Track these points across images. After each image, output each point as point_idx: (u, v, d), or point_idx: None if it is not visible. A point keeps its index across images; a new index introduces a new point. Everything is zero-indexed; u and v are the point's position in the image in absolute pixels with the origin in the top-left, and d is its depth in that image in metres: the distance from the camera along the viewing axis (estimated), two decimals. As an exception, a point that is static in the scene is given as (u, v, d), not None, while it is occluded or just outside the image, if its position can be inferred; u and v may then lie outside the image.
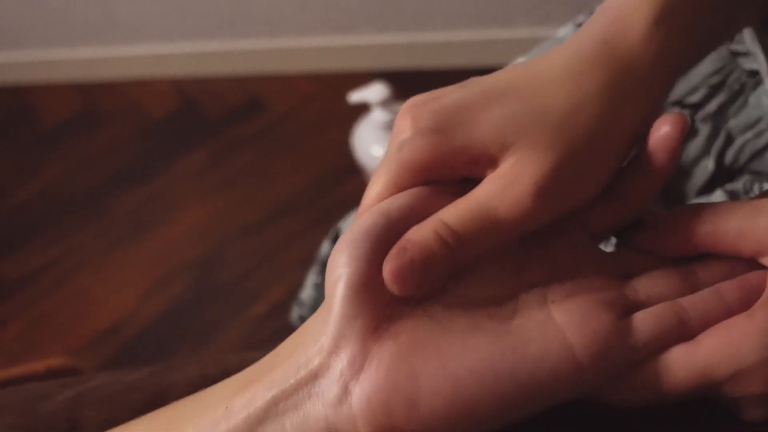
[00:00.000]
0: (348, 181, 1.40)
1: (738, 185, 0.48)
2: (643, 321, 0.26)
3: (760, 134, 0.50)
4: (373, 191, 0.29)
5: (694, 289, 0.27)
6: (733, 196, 0.48)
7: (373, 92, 1.14)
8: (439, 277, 0.26)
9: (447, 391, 0.24)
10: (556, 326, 0.25)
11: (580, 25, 0.56)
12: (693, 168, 0.52)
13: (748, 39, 0.49)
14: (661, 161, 0.27)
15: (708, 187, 0.51)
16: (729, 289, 0.27)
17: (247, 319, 1.27)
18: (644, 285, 0.28)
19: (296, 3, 1.49)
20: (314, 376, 0.25)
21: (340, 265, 0.25)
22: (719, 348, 0.25)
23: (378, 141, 1.21)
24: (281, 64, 1.61)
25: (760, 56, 0.49)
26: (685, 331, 0.26)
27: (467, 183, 0.28)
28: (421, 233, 0.26)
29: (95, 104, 1.70)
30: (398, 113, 0.29)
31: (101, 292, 1.38)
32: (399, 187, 0.28)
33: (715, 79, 0.51)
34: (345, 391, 0.24)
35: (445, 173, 0.28)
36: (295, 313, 1.00)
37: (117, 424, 0.30)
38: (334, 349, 0.24)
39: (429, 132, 0.27)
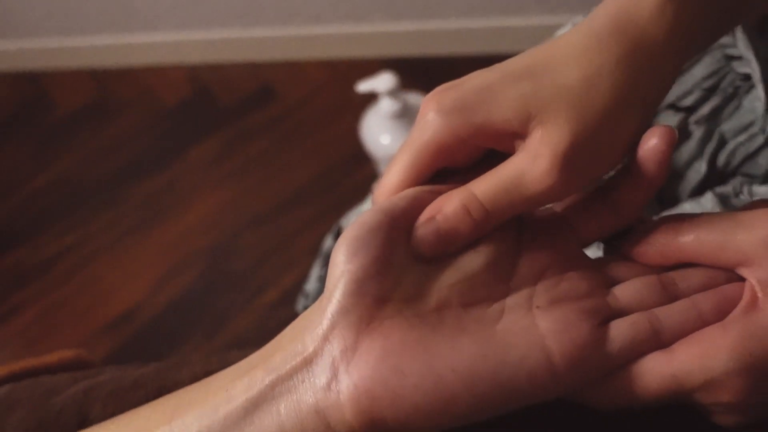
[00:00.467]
0: (359, 169, 1.40)
1: (728, 188, 0.49)
2: (619, 330, 0.27)
3: (752, 137, 0.51)
4: (393, 172, 0.30)
5: (673, 298, 0.28)
6: (723, 199, 0.49)
7: (381, 81, 1.14)
8: (462, 244, 0.28)
9: (430, 387, 0.25)
10: (538, 333, 0.27)
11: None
12: (686, 170, 0.53)
13: (741, 44, 0.50)
14: (650, 172, 0.29)
15: (700, 190, 0.52)
16: (704, 300, 0.28)
17: (259, 307, 1.28)
18: (625, 293, 0.29)
19: (307, -9, 1.49)
20: (308, 363, 0.26)
21: (342, 262, 0.27)
22: (692, 357, 0.26)
23: (386, 130, 1.21)
24: (293, 51, 1.61)
25: (753, 62, 0.49)
26: (659, 340, 0.27)
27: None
28: (451, 205, 0.28)
29: (110, 92, 1.71)
30: (423, 100, 0.30)
31: (115, 279, 1.39)
32: (420, 168, 0.30)
33: (709, 83, 0.52)
34: (334, 379, 0.25)
35: (467, 153, 0.30)
36: (300, 304, 1.01)
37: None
38: (328, 339, 0.26)
39: (451, 112, 0.29)
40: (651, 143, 0.28)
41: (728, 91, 0.52)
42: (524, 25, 1.42)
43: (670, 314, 0.28)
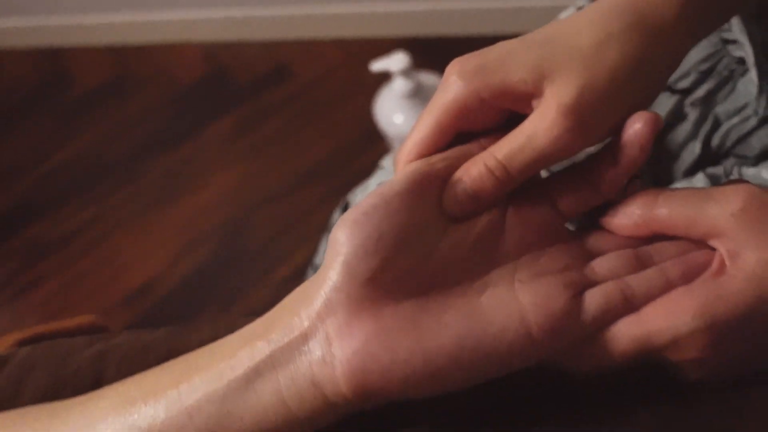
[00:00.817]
0: (372, 148, 1.41)
1: (719, 169, 0.50)
2: (593, 299, 0.29)
3: (745, 120, 0.52)
4: (416, 132, 0.32)
5: (646, 268, 0.30)
6: (714, 179, 0.50)
7: (395, 61, 1.15)
8: (489, 202, 0.30)
9: (419, 361, 0.27)
10: (518, 305, 0.28)
11: (580, 7, 0.58)
12: (681, 151, 0.54)
13: (736, 28, 0.51)
14: (631, 154, 0.30)
15: (694, 170, 0.53)
16: (672, 266, 0.29)
17: (272, 282, 1.30)
18: (603, 266, 0.30)
19: (323, -29, 1.50)
20: (304, 337, 0.28)
21: (339, 243, 0.28)
22: (659, 318, 0.28)
23: (400, 109, 1.22)
24: (308, 30, 1.62)
25: (747, 46, 0.51)
26: (631, 306, 0.29)
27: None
28: (476, 167, 0.30)
29: (128, 69, 1.72)
30: (447, 66, 0.32)
31: (133, 253, 1.42)
32: (442, 128, 0.32)
33: (705, 66, 0.53)
34: (329, 354, 0.27)
35: (487, 115, 0.32)
36: (310, 276, 1.04)
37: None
38: (323, 316, 0.28)
39: (473, 74, 0.31)
40: (636, 127, 0.30)
41: (723, 74, 0.53)
42: (537, 6, 1.42)
43: (641, 281, 0.29)
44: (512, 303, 0.28)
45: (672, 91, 0.54)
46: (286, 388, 0.28)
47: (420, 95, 1.20)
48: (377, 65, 1.15)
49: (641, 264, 0.30)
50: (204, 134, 1.56)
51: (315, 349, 0.28)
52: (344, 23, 1.59)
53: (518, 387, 0.31)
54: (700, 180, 0.51)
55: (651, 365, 0.30)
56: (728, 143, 0.53)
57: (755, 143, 0.52)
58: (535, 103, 0.31)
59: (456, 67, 0.31)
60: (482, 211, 0.31)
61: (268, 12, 1.61)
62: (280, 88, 1.59)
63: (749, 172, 0.49)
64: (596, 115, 0.30)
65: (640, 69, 0.31)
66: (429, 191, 0.30)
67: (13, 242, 1.48)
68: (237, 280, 1.33)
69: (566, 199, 0.32)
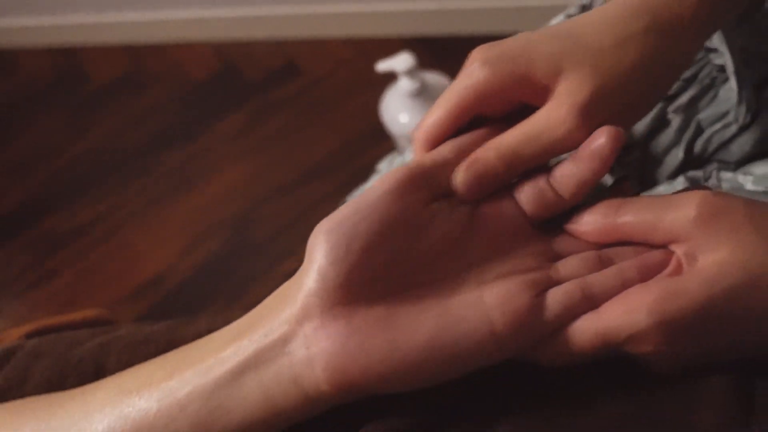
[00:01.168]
0: (378, 144, 1.42)
1: (699, 173, 0.52)
2: (555, 298, 0.30)
3: (726, 126, 0.53)
4: (435, 111, 0.34)
5: (614, 268, 0.31)
6: (694, 182, 0.52)
7: (400, 61, 1.16)
8: (496, 186, 0.32)
9: (394, 360, 0.29)
10: (484, 306, 0.30)
11: (569, 16, 0.59)
12: (665, 156, 0.55)
13: (716, 37, 0.52)
14: (593, 165, 0.32)
15: (677, 174, 0.55)
16: (630, 266, 0.31)
17: (279, 274, 1.31)
18: (566, 266, 0.32)
19: (332, -30, 1.51)
20: (285, 340, 0.30)
21: (313, 250, 0.30)
22: (617, 315, 0.29)
23: (405, 109, 1.23)
24: (317, 29, 1.63)
25: (727, 54, 0.52)
26: (591, 303, 0.30)
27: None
28: (485, 152, 0.32)
29: (141, 66, 1.74)
30: (470, 54, 0.34)
31: (144, 245, 1.44)
32: (461, 110, 0.33)
33: (688, 73, 0.54)
34: (309, 355, 0.29)
35: (502, 103, 0.34)
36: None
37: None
38: (301, 320, 0.29)
39: (494, 61, 0.33)
40: (599, 141, 0.31)
41: (705, 82, 0.54)
42: (543, 5, 1.43)
43: (600, 280, 0.31)
44: (479, 303, 0.30)
45: (656, 97, 0.55)
46: (269, 385, 0.29)
47: (425, 95, 1.21)
48: (382, 65, 1.16)
49: (603, 265, 0.32)
50: (214, 129, 1.58)
51: (295, 351, 0.29)
52: (352, 22, 1.60)
53: (490, 380, 0.33)
54: (680, 183, 0.52)
55: (619, 358, 0.31)
56: (710, 149, 0.54)
57: (735, 149, 0.54)
58: (549, 96, 0.32)
59: (480, 54, 0.33)
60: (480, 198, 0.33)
61: (277, 10, 1.62)
62: (289, 85, 1.60)
63: (726, 176, 0.51)
64: (607, 113, 0.32)
65: (655, 69, 0.33)
66: (402, 199, 0.31)
67: (29, 235, 1.51)
68: (246, 272, 1.34)
69: (532, 204, 0.33)
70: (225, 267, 1.38)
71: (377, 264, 0.30)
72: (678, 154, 0.55)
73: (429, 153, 0.33)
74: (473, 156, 0.32)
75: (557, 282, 0.31)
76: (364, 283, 0.30)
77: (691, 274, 0.29)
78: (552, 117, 0.32)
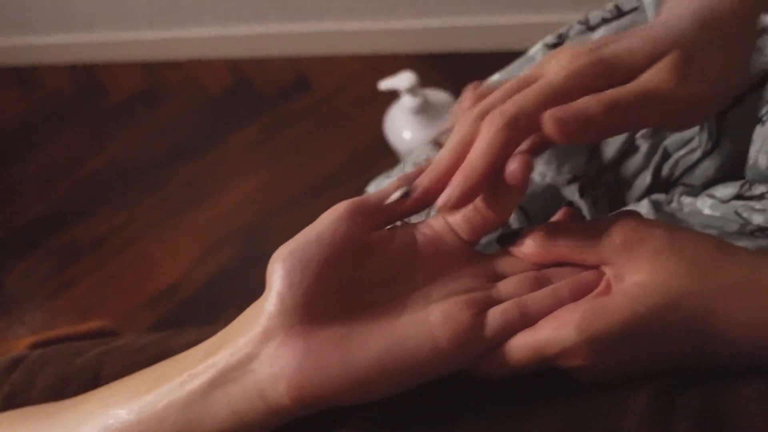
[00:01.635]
0: (386, 157, 1.44)
1: (662, 196, 0.55)
2: (494, 316, 0.33)
3: (691, 152, 0.56)
4: (525, 95, 0.35)
5: (548, 289, 0.34)
6: (657, 205, 0.54)
7: (402, 80, 1.19)
8: (594, 134, 0.34)
9: (348, 376, 0.31)
10: (429, 324, 0.32)
11: (548, 45, 0.62)
12: (634, 179, 0.58)
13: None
14: (510, 188, 0.35)
15: (645, 196, 0.58)
16: (563, 287, 0.34)
17: None
18: (506, 286, 0.35)
19: (342, -12, 1.53)
20: (250, 358, 0.32)
21: (273, 276, 0.32)
22: (548, 332, 0.32)
23: (408, 126, 1.26)
24: (327, 45, 1.65)
25: (688, 84, 0.55)
26: (527, 321, 0.33)
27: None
28: (586, 100, 0.34)
29: (158, 81, 1.76)
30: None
31: (160, 256, 1.47)
32: (564, 90, 0.35)
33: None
34: (272, 373, 0.31)
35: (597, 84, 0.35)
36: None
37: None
38: (264, 341, 0.32)
39: (584, 52, 0.36)
40: (512, 167, 0.34)
41: None
42: (547, 22, 1.45)
43: (536, 299, 0.33)
44: (425, 322, 0.32)
45: (624, 124, 0.58)
46: (237, 399, 0.32)
47: (427, 112, 1.23)
48: (385, 84, 1.18)
49: (540, 285, 0.35)
50: (228, 142, 1.60)
51: (260, 369, 0.32)
52: (361, 39, 1.62)
53: (440, 390, 0.35)
54: (644, 206, 0.55)
55: (554, 370, 0.34)
56: (677, 173, 0.57)
57: (699, 174, 0.56)
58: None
59: (567, 51, 0.37)
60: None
61: (289, 28, 1.65)
62: (300, 100, 1.62)
63: (687, 200, 0.54)
64: (706, 67, 0.36)
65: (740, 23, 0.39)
66: (348, 227, 0.34)
67: (50, 245, 1.54)
68: (256, 283, 1.32)
69: (463, 229, 0.36)
70: (237, 277, 1.40)
71: (330, 287, 0.32)
72: (646, 178, 0.58)
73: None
74: (570, 104, 0.33)
75: (497, 301, 0.34)
76: (319, 305, 0.32)
77: (616, 295, 0.32)
78: (654, 78, 0.35)
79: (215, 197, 1.53)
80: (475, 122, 0.35)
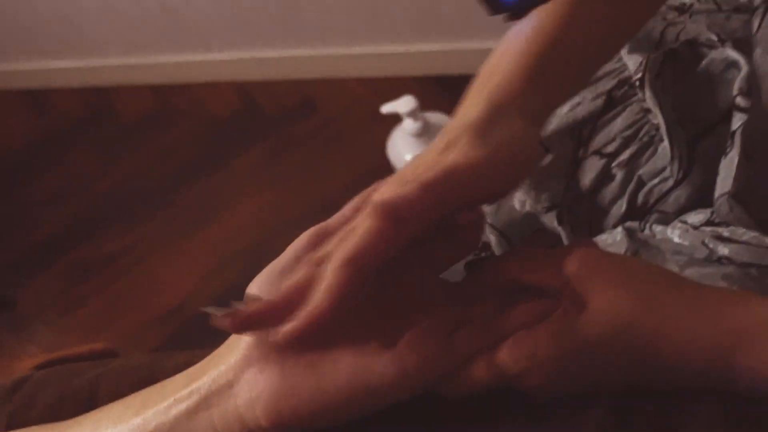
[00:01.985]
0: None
1: (635, 224, 0.57)
2: (460, 338, 0.35)
3: (665, 180, 0.58)
4: None
5: (509, 314, 0.36)
6: (630, 232, 0.56)
7: (402, 104, 1.22)
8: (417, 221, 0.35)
9: (320, 401, 0.33)
10: (397, 348, 0.33)
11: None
12: (610, 207, 0.60)
13: (649, 100, 0.57)
14: (467, 233, 0.38)
15: (621, 223, 0.60)
16: (524, 311, 0.36)
17: None
18: (472, 311, 0.36)
19: (346, 13, 1.56)
20: (230, 384, 0.34)
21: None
22: (509, 355, 0.34)
23: (409, 148, 1.29)
24: (333, 68, 1.68)
25: (659, 116, 0.57)
26: (489, 344, 0.35)
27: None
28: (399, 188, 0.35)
29: (167, 104, 1.78)
30: None
31: (167, 275, 1.49)
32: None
33: (628, 132, 0.59)
34: (250, 398, 0.33)
35: None
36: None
37: (121, 397, 0.39)
38: (243, 368, 0.34)
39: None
40: (468, 216, 0.37)
41: (644, 140, 0.59)
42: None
43: (500, 322, 0.35)
44: (392, 345, 0.34)
45: (600, 154, 0.60)
46: (219, 422, 0.34)
47: (428, 135, 1.26)
48: (386, 108, 1.22)
49: (503, 310, 0.36)
50: (234, 164, 1.62)
51: (239, 394, 0.34)
52: (366, 62, 1.64)
53: (408, 409, 0.37)
54: (618, 233, 0.57)
55: (513, 389, 0.36)
56: (651, 200, 0.59)
57: (672, 201, 0.58)
58: None
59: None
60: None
61: (295, 51, 1.68)
62: (306, 122, 1.64)
63: (658, 228, 0.56)
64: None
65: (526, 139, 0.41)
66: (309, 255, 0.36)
67: (60, 264, 1.56)
68: None
69: (432, 257, 0.38)
70: (241, 296, 1.40)
71: None
72: (622, 206, 0.60)
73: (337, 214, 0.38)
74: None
75: (464, 325, 0.36)
76: None
77: (572, 321, 0.34)
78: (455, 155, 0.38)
79: (222, 218, 1.55)
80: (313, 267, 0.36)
